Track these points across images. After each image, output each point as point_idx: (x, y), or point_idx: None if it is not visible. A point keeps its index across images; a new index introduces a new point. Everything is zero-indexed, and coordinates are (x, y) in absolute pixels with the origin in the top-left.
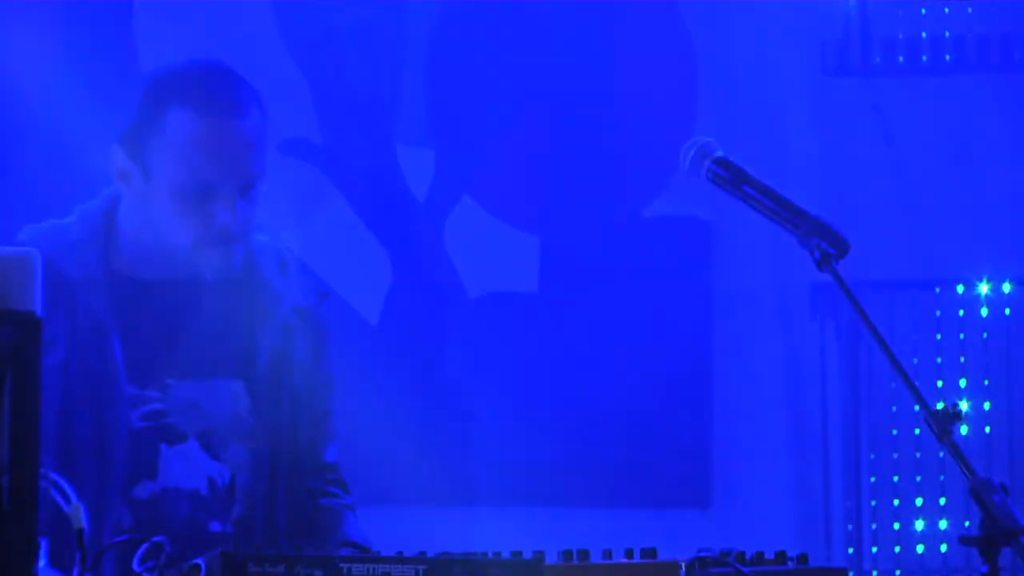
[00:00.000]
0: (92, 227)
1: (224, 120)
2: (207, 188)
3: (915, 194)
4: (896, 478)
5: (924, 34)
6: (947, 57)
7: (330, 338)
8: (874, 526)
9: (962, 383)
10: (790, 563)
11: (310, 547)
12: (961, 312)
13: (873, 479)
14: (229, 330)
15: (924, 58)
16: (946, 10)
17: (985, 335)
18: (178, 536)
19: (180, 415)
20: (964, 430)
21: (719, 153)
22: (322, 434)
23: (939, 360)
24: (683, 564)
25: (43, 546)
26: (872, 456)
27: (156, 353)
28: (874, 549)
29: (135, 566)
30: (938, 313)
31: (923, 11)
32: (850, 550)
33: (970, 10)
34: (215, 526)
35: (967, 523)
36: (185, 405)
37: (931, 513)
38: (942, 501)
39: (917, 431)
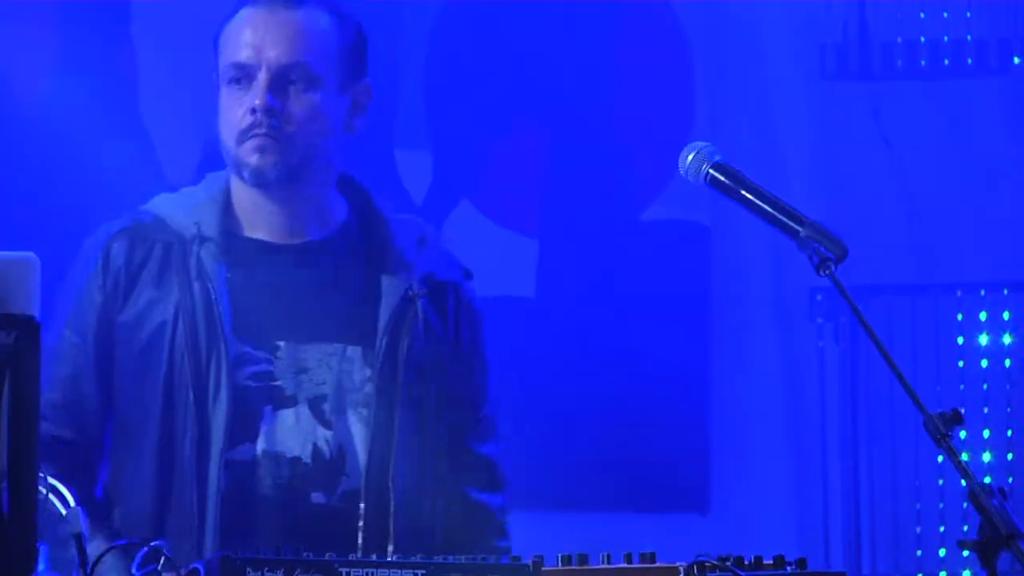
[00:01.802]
0: (214, 189)
1: (273, 8)
2: (246, 76)
3: (914, 198)
4: (894, 482)
5: (922, 38)
6: (945, 61)
7: (483, 319)
8: (872, 530)
9: (960, 387)
10: (789, 567)
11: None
12: (960, 316)
13: (871, 483)
14: (347, 295)
15: (923, 62)
16: (944, 14)
17: (984, 339)
18: (276, 505)
19: (289, 379)
20: (962, 435)
21: (717, 157)
22: (470, 421)
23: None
24: (682, 568)
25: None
26: (870, 460)
27: (267, 314)
28: (873, 553)
29: (133, 570)
30: (937, 317)
31: (922, 15)
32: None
33: (969, 14)
34: (318, 498)
35: (965, 527)
36: (295, 369)
37: (929, 518)
38: (940, 506)
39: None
